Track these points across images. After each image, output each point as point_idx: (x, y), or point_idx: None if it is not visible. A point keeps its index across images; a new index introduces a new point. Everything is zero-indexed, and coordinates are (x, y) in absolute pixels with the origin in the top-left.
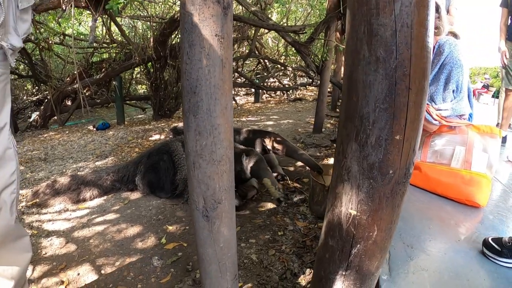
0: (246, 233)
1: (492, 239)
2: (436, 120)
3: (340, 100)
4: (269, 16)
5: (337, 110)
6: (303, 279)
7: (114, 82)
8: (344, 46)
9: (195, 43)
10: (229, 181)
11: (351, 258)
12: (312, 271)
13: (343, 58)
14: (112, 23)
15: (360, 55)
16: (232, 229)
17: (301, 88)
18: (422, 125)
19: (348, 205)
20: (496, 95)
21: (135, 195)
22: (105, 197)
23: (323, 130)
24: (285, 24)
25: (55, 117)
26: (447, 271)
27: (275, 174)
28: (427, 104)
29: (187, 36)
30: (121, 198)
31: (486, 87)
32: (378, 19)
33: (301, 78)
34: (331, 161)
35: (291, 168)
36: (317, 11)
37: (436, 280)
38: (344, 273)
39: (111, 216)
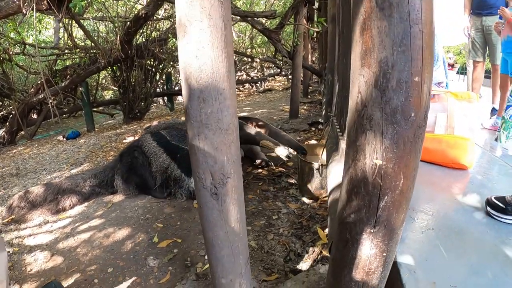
0: None
1: (495, 198)
2: None
3: (324, 84)
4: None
5: (309, 96)
6: (308, 258)
7: (80, 89)
8: (315, 30)
9: (194, 3)
10: (236, 152)
11: (379, 212)
12: (315, 249)
13: (309, 46)
14: (74, 27)
15: (372, 2)
16: (242, 206)
17: (270, 79)
18: (433, 68)
19: (373, 156)
20: (460, 71)
21: (118, 198)
22: (86, 204)
23: (298, 115)
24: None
25: (22, 132)
26: (452, 229)
27: (258, 161)
28: None
29: None
30: (104, 203)
31: (451, 65)
32: None
33: (269, 69)
34: (312, 142)
35: (273, 154)
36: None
37: (445, 237)
38: (372, 231)
39: (95, 222)
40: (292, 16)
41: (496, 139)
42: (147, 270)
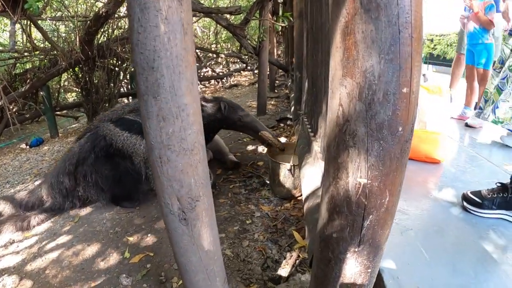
0: None
1: (471, 193)
2: None
3: (291, 80)
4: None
5: (276, 91)
6: (286, 264)
7: (41, 93)
8: (281, 25)
9: (148, 5)
10: (204, 173)
11: (364, 231)
12: (292, 254)
13: (275, 40)
14: (32, 28)
15: (357, 2)
16: (214, 228)
17: (236, 74)
18: (421, 75)
19: (357, 174)
20: (424, 61)
21: (84, 211)
22: (52, 219)
23: (266, 111)
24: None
25: None
26: (431, 228)
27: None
28: None
29: None
30: (70, 217)
31: None
32: None
33: (234, 65)
34: (281, 140)
35: (239, 154)
36: None
37: (424, 237)
38: (356, 250)
39: (63, 239)
40: (257, 11)
41: (479, 117)
42: None
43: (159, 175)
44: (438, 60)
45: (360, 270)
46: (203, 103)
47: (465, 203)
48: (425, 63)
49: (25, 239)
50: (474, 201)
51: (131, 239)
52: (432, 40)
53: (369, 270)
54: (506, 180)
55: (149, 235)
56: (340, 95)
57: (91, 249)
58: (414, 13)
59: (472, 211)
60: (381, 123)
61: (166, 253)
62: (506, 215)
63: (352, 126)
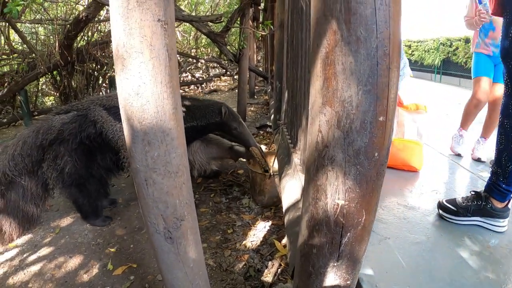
0: None
1: (446, 201)
2: None
3: (271, 87)
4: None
5: (255, 97)
6: (269, 273)
7: (19, 97)
8: (261, 33)
9: (133, 31)
10: (188, 193)
11: (342, 247)
12: (274, 263)
13: (255, 45)
14: (11, 30)
15: (337, 35)
16: (199, 245)
17: (215, 79)
18: (396, 103)
19: (335, 196)
20: None
21: (65, 221)
22: (31, 230)
23: (246, 118)
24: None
25: None
26: (408, 236)
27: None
28: None
29: (123, 23)
30: (51, 228)
31: None
32: None
33: (214, 70)
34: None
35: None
36: (227, 1)
37: (401, 245)
38: (335, 264)
39: (45, 251)
40: (238, 19)
41: None
42: None
43: (145, 196)
44: (416, 65)
45: (339, 282)
46: (204, 104)
47: (440, 211)
48: None
49: (5, 251)
50: (449, 209)
51: (113, 250)
52: (410, 46)
53: (348, 282)
54: (481, 188)
55: (131, 246)
56: (319, 122)
57: (74, 261)
58: (392, 44)
59: (448, 219)
60: (358, 150)
61: (149, 264)
62: (481, 221)
63: (330, 152)
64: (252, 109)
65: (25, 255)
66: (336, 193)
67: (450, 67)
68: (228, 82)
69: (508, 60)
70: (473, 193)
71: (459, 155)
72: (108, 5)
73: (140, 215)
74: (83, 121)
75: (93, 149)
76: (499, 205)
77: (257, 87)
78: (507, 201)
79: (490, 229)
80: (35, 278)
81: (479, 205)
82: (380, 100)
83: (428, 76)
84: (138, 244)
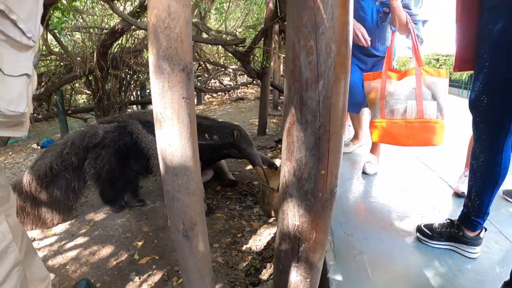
0: (209, 239)
1: (424, 226)
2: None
3: (281, 102)
4: (208, 22)
5: (279, 108)
6: (265, 273)
7: (55, 96)
8: (283, 55)
9: (166, 105)
10: (201, 207)
11: (300, 254)
12: (272, 265)
13: (281, 59)
14: (48, 33)
15: (295, 117)
16: (206, 242)
17: (242, 87)
18: (340, 161)
19: (293, 219)
20: None
21: (98, 216)
22: (69, 222)
23: (267, 130)
24: (224, 30)
25: None
26: (383, 253)
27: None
28: None
29: (160, 100)
30: (86, 221)
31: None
32: (307, 93)
33: (242, 77)
34: (277, 162)
35: (237, 173)
36: (255, 14)
37: (374, 259)
38: (296, 265)
39: (80, 240)
40: (262, 39)
41: None
42: (130, 285)
43: (172, 208)
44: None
45: (300, 279)
46: (221, 125)
47: (418, 234)
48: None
49: (45, 237)
50: (425, 233)
51: (140, 243)
52: (438, 60)
53: (308, 280)
54: (455, 216)
55: (155, 241)
56: (284, 170)
57: (106, 251)
58: (333, 123)
59: (423, 241)
60: (306, 191)
61: (169, 257)
62: (455, 247)
63: (290, 190)
64: (274, 121)
65: (63, 242)
66: (294, 217)
67: None
68: (255, 89)
69: (473, 111)
70: (448, 220)
71: (463, 193)
72: (143, 29)
73: (164, 216)
74: (122, 131)
75: (128, 155)
76: (470, 233)
77: (280, 98)
78: (478, 231)
79: (463, 255)
80: (72, 262)
81: (451, 232)
82: (321, 160)
83: (455, 91)
84: (161, 240)
